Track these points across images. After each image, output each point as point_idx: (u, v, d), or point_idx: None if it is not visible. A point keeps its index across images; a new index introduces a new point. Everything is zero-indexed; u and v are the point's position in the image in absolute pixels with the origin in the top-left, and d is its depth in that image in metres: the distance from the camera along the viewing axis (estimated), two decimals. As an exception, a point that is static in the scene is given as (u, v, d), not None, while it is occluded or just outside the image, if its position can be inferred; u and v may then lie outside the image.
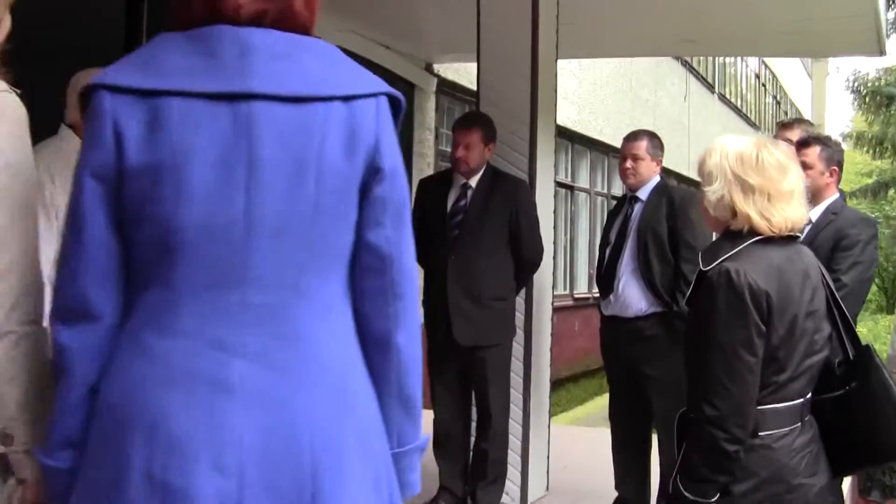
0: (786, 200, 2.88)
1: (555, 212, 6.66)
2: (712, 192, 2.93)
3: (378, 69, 9.23)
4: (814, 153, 4.72)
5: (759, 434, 2.83)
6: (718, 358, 2.81)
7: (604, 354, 5.91)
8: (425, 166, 10.30)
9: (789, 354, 2.84)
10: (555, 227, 6.69)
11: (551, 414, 6.71)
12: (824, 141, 4.87)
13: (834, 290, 3.05)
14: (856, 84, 28.19)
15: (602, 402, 12.75)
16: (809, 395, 2.95)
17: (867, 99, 27.82)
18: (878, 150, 28.06)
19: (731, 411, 2.78)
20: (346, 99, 1.86)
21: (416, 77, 10.22)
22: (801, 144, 4.75)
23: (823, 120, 42.87)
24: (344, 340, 1.91)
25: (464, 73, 10.49)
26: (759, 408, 2.82)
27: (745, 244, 2.88)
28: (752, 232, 2.89)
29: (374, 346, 1.94)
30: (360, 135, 1.87)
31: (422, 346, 1.99)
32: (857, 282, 4.61)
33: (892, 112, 26.43)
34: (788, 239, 2.94)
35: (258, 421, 1.77)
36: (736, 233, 2.93)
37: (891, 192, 31.17)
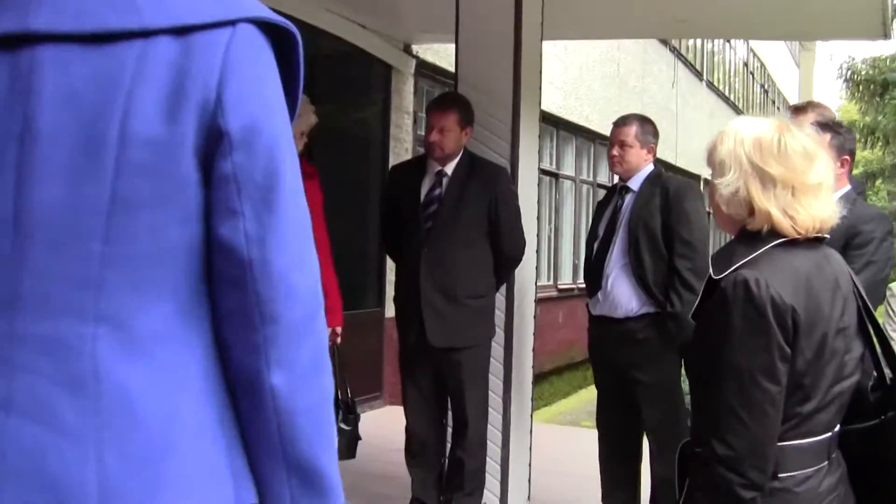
0: (813, 194, 2.36)
1: (539, 200, 6.23)
2: (725, 184, 2.42)
3: (352, 49, 8.82)
4: (824, 141, 4.26)
5: (780, 476, 2.33)
6: (733, 386, 2.30)
7: (591, 357, 5.49)
8: (403, 152, 9.85)
9: (816, 381, 2.34)
10: (539, 216, 6.27)
11: (533, 417, 6.29)
12: (835, 128, 4.42)
13: (867, 300, 2.56)
14: (849, 72, 27.63)
15: (587, 395, 12.50)
16: (838, 427, 2.45)
17: (860, 87, 27.26)
18: (869, 139, 27.57)
19: (748, 451, 2.28)
20: (181, 31, 1.28)
21: (394, 58, 9.75)
22: None
23: (810, 109, 42.38)
24: (174, 386, 1.31)
25: (444, 54, 10.01)
26: (779, 444, 2.33)
27: (764, 248, 2.37)
28: (773, 233, 2.38)
29: (242, 391, 1.36)
30: (192, 82, 1.27)
31: (316, 398, 1.34)
32: (872, 283, 4.16)
33: (886, 101, 25.94)
34: (815, 241, 2.44)
35: (27, 500, 1.23)
36: (753, 234, 2.41)
37: (878, 182, 30.84)
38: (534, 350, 6.05)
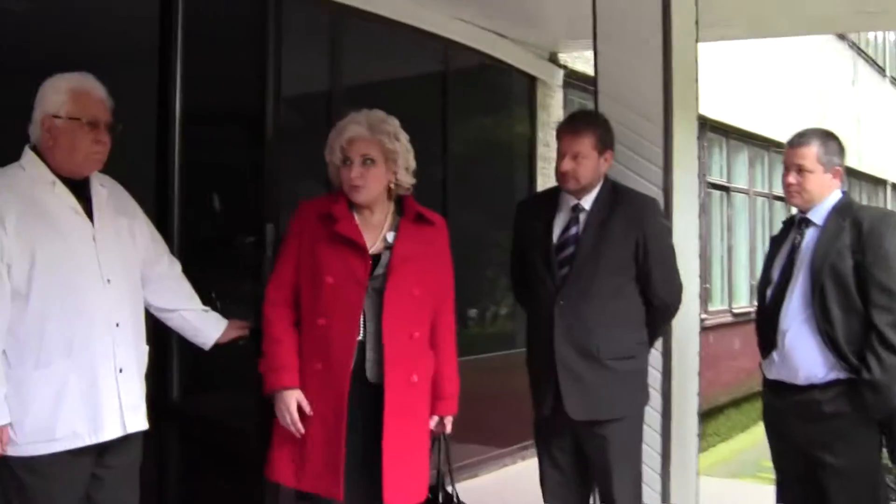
0: None
1: (710, 217, 5.35)
2: None
3: (490, 61, 8.18)
4: None
5: None
6: None
7: (768, 431, 4.50)
8: (553, 172, 9.04)
9: None
10: (710, 235, 5.38)
11: (709, 455, 5.36)
12: None
13: None
14: None
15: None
16: None
17: None
18: None
19: None
20: None
21: (539, 69, 8.94)
22: None
23: None
24: None
25: (597, 62, 9.19)
26: None
27: None
28: None
29: None
30: None
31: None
32: None
33: None
34: None
35: None
36: None
37: None
38: (706, 381, 5.26)
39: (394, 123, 3.88)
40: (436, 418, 3.95)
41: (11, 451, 3.32)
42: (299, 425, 3.71)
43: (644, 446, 4.60)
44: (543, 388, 4.38)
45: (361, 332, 3.74)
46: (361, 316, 3.74)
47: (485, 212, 8.27)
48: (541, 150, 9.08)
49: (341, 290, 3.73)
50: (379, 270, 3.78)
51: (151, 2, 5.07)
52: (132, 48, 5.30)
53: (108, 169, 3.67)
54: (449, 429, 4.02)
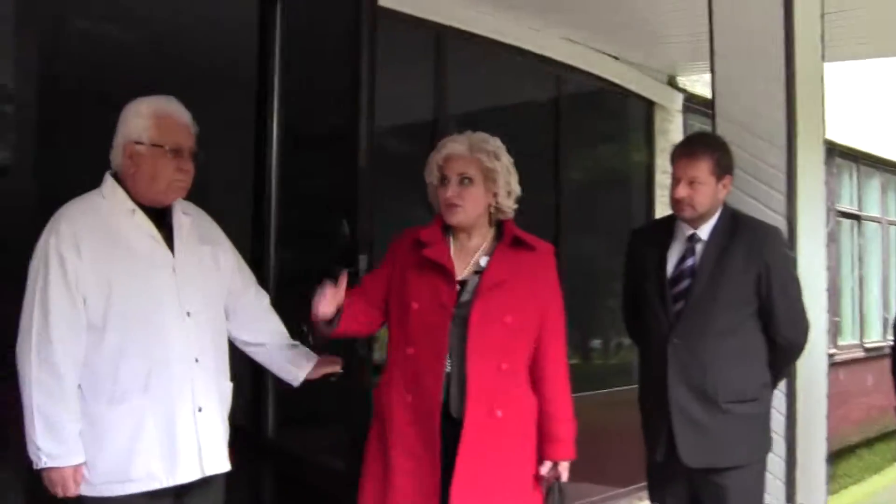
0: None
1: (840, 247, 5.03)
2: None
3: (604, 84, 7.96)
4: None
5: None
6: None
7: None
8: (672, 199, 8.81)
9: None
10: (840, 265, 5.06)
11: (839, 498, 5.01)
12: None
13: None
14: None
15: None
16: None
17: None
18: None
19: None
20: None
21: (656, 93, 8.70)
22: None
23: None
24: None
25: (719, 86, 8.89)
26: None
27: None
28: None
29: None
30: None
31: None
32: None
33: None
34: None
35: None
36: None
37: None
38: (836, 420, 5.04)
39: (495, 143, 3.63)
40: (548, 464, 3.58)
41: (85, 491, 3.20)
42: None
43: (767, 496, 4.30)
44: (656, 430, 4.11)
45: (449, 363, 3.47)
46: (448, 345, 3.48)
47: (602, 241, 8.04)
48: (659, 177, 8.81)
49: (426, 316, 3.49)
50: (466, 296, 3.52)
51: (251, 26, 4.96)
52: (229, 71, 5.20)
53: (195, 195, 3.50)
54: (565, 476, 3.62)
